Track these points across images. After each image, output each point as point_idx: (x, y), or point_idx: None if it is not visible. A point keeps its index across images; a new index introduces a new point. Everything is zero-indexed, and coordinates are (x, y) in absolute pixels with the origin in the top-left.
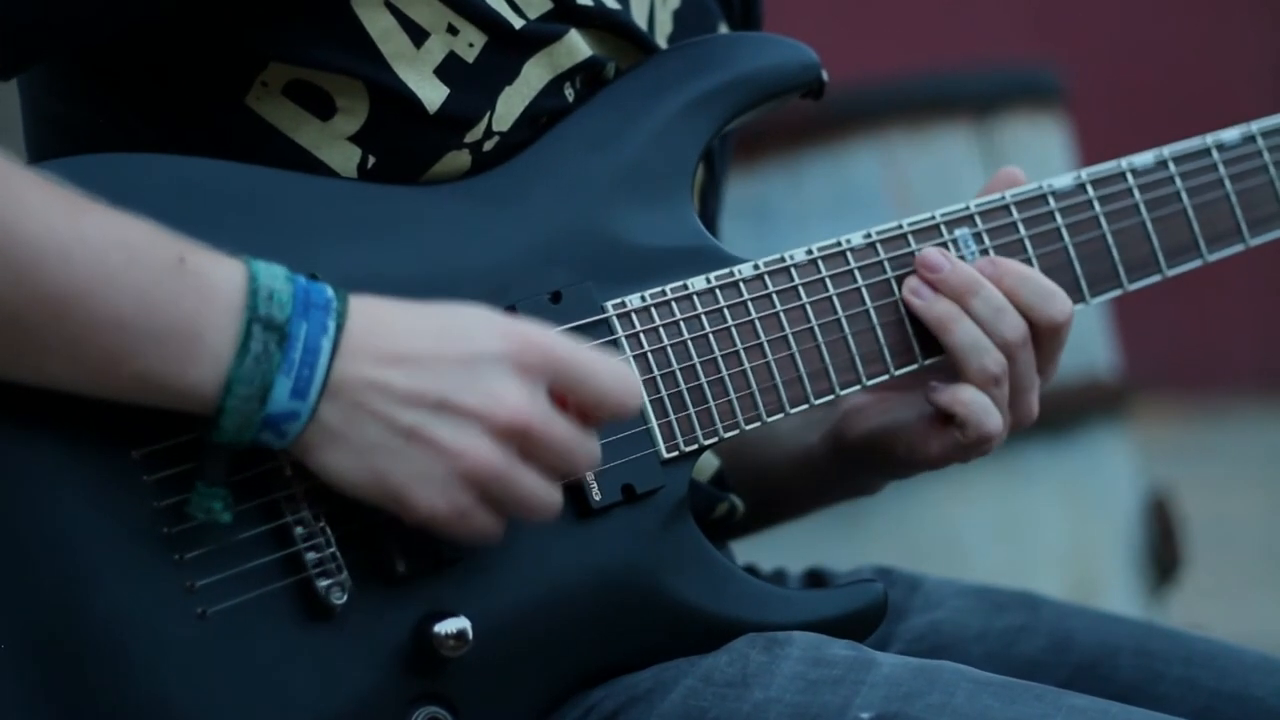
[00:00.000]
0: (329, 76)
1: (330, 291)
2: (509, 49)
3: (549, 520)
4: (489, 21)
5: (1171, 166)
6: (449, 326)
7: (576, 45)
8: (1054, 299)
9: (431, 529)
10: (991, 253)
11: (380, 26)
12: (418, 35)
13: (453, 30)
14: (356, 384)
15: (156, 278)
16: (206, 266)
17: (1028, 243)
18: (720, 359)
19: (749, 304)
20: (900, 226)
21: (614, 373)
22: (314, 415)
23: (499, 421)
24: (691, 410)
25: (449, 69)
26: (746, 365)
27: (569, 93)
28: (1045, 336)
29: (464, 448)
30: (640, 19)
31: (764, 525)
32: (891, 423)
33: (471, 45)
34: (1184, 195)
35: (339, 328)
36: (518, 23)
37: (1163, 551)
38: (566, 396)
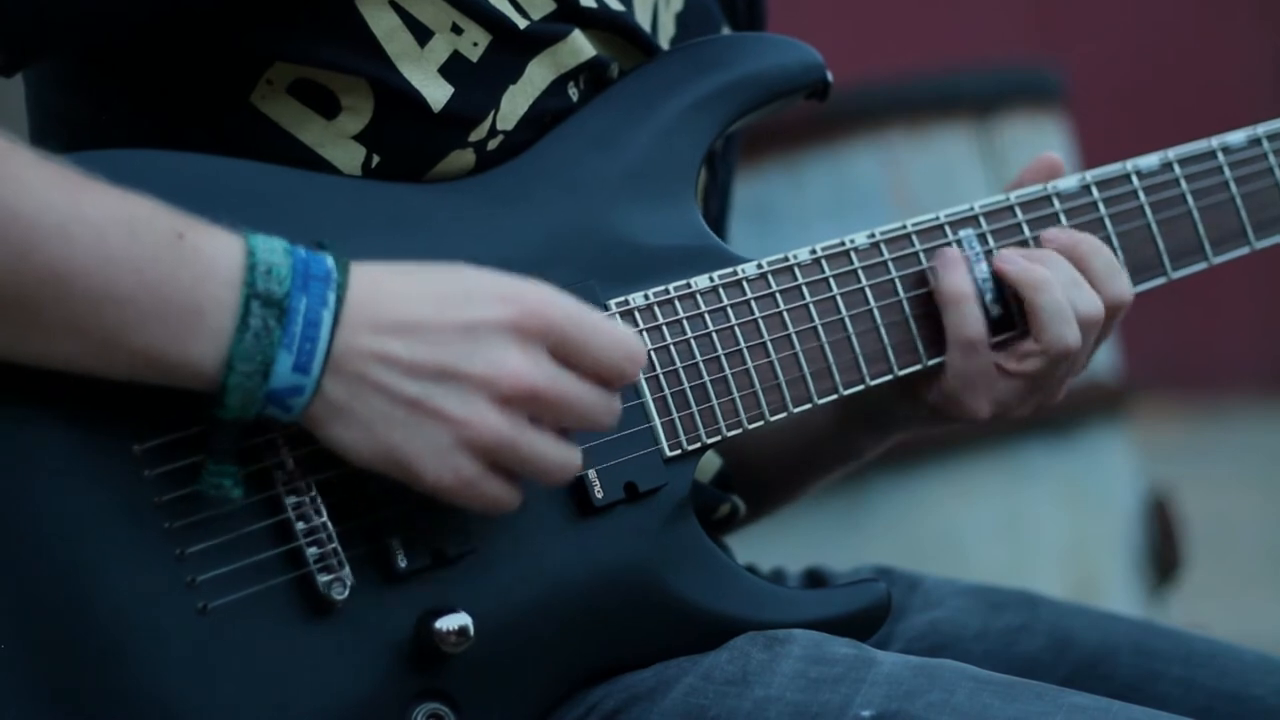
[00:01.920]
0: (334, 75)
1: (330, 261)
2: (513, 48)
3: (566, 480)
4: (493, 21)
5: (1177, 169)
6: (450, 293)
7: (580, 45)
8: (1121, 276)
9: (444, 500)
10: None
11: (385, 25)
12: (422, 34)
13: (457, 29)
14: (358, 356)
15: (155, 253)
16: (205, 242)
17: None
18: (723, 357)
19: (752, 303)
20: (904, 227)
21: (614, 337)
22: (319, 389)
23: (503, 388)
24: (694, 408)
25: (453, 68)
26: (750, 364)
27: (573, 92)
28: (1108, 316)
29: (468, 417)
30: (644, 21)
31: (751, 505)
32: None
33: (476, 44)
34: (1189, 198)
35: (339, 299)
36: (522, 23)
37: (1163, 551)
38: (566, 362)
